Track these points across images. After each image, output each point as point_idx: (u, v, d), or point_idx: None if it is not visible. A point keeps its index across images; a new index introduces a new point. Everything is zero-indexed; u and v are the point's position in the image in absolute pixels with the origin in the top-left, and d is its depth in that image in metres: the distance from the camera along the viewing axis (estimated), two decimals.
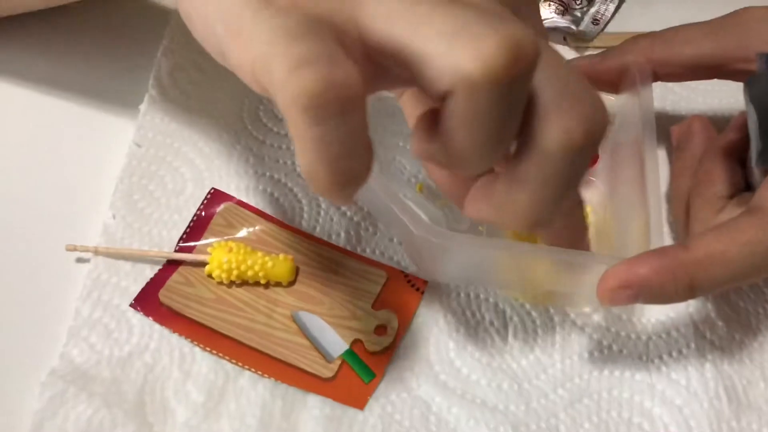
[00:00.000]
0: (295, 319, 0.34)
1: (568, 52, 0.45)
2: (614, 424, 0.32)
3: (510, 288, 0.35)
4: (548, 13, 0.46)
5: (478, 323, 0.35)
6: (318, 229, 0.37)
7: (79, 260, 0.36)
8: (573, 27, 0.46)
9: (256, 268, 0.34)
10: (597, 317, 0.35)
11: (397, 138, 0.40)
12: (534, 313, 0.35)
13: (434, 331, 0.34)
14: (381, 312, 0.34)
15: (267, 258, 0.35)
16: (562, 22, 0.46)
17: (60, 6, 0.43)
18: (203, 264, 0.35)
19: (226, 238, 0.36)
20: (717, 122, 0.38)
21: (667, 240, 0.37)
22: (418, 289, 0.35)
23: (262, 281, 0.35)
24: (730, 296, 0.35)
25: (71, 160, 0.39)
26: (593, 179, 0.38)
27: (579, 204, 0.28)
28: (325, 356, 0.33)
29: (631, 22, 0.46)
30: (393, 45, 0.21)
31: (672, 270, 0.28)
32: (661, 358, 0.34)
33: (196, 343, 0.33)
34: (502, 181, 0.24)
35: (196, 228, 0.37)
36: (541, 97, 0.22)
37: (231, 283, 0.35)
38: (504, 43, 0.20)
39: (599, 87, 0.35)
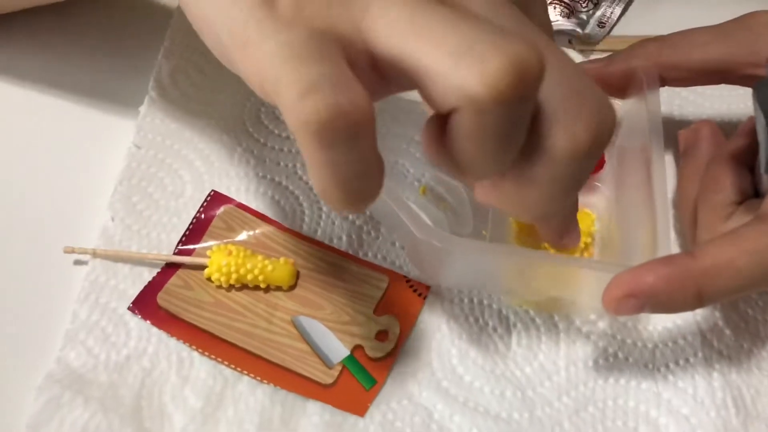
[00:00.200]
0: (295, 324, 0.34)
1: (573, 56, 0.44)
2: None
3: (513, 294, 0.34)
4: (554, 16, 0.45)
5: (482, 329, 0.34)
6: (319, 232, 0.37)
7: (77, 262, 0.35)
8: (579, 30, 0.45)
9: (256, 271, 0.34)
10: (602, 324, 0.34)
11: (401, 141, 0.40)
12: (538, 320, 0.34)
13: (437, 337, 0.34)
14: (382, 317, 0.34)
15: (267, 261, 0.34)
16: (567, 24, 0.45)
17: (61, 6, 0.43)
18: (202, 267, 0.34)
19: (225, 241, 0.36)
20: (725, 128, 0.38)
21: (674, 247, 0.36)
22: (420, 294, 0.35)
23: (262, 285, 0.34)
24: (739, 304, 0.35)
25: (70, 161, 0.39)
26: (599, 185, 0.38)
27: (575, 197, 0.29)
28: (326, 362, 0.33)
29: (637, 25, 0.46)
30: (398, 60, 0.21)
31: (679, 279, 0.28)
32: (667, 366, 0.33)
33: (194, 347, 0.33)
34: (511, 178, 0.24)
35: (196, 231, 0.36)
36: (548, 101, 0.22)
37: (230, 287, 0.34)
38: (508, 63, 0.20)
39: (605, 92, 0.34)
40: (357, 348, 0.33)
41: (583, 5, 0.46)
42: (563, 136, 0.22)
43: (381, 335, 0.33)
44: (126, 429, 0.31)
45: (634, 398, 0.32)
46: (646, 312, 0.28)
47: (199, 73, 0.42)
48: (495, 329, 0.34)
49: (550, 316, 0.34)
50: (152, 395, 0.32)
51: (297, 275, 0.35)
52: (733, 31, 0.35)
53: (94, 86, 0.41)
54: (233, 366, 0.32)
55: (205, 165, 0.39)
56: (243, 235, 0.36)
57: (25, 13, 0.42)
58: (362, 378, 0.32)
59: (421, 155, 0.39)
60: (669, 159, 0.39)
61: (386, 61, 0.22)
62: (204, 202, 0.37)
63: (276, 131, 0.40)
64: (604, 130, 0.23)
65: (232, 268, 0.34)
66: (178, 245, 0.36)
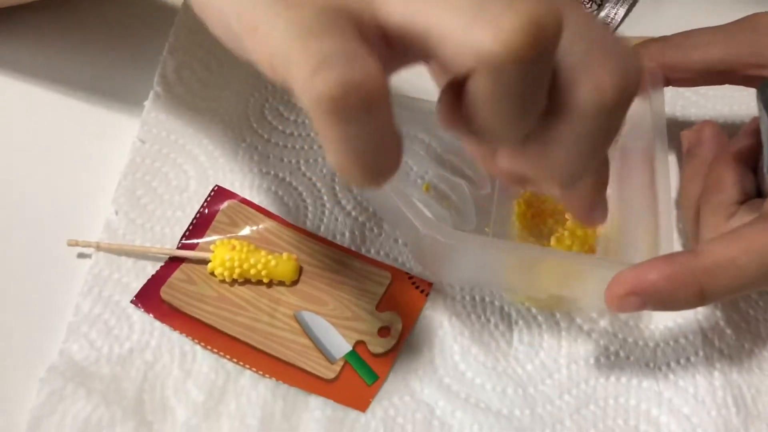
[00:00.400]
0: (297, 319, 0.34)
1: None
2: None
3: (516, 291, 0.34)
4: None
5: (483, 326, 0.34)
6: (322, 228, 0.37)
7: (81, 255, 0.35)
8: None
9: (259, 266, 0.34)
10: (603, 323, 0.34)
11: (403, 139, 0.40)
12: (540, 318, 0.34)
13: (439, 334, 0.34)
14: (385, 313, 0.34)
15: (270, 257, 0.34)
16: None
17: (66, 1, 0.43)
18: (206, 261, 0.34)
19: (229, 236, 0.36)
20: (727, 129, 0.38)
21: (676, 246, 0.36)
22: (422, 291, 0.35)
23: (265, 280, 0.34)
24: (740, 304, 0.35)
25: (75, 155, 0.39)
26: None
27: (605, 162, 0.28)
28: (328, 357, 0.33)
29: (641, 26, 0.46)
30: (410, 28, 0.21)
31: (682, 277, 0.28)
32: (668, 365, 0.33)
33: (197, 341, 0.33)
34: (535, 141, 0.24)
35: (199, 225, 0.36)
36: (570, 57, 0.22)
37: (233, 282, 0.34)
38: (524, 20, 0.19)
39: None
40: (359, 344, 0.33)
41: (587, 6, 0.46)
42: (589, 87, 0.22)
43: (383, 331, 0.33)
44: (128, 422, 0.31)
45: (635, 397, 0.32)
46: (649, 309, 0.29)
47: (203, 70, 0.42)
48: (497, 326, 0.34)
49: (552, 314, 0.34)
50: (155, 388, 0.32)
51: (300, 271, 0.35)
52: (736, 32, 0.35)
53: (99, 81, 0.41)
54: (236, 360, 0.32)
55: (209, 160, 0.39)
56: (246, 230, 0.36)
57: (31, 8, 0.42)
58: (364, 373, 0.32)
59: (425, 153, 0.39)
60: (671, 159, 0.39)
61: (397, 31, 0.21)
62: (208, 197, 0.37)
63: (280, 127, 0.40)
64: (631, 80, 0.22)
65: (236, 263, 0.34)
66: (181, 240, 0.36)
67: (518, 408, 0.32)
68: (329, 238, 0.36)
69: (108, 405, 0.31)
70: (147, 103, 0.40)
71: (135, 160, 0.38)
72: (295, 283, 0.35)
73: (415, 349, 0.33)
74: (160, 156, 0.39)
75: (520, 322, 0.34)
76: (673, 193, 0.38)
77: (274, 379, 0.32)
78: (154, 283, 0.34)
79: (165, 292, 0.34)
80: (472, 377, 0.33)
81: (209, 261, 0.34)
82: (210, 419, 0.31)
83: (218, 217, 0.37)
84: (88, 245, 0.35)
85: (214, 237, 0.36)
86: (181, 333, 0.33)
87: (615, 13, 0.46)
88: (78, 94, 0.41)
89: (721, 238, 0.29)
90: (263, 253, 0.34)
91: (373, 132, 0.20)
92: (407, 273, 0.35)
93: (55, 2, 0.43)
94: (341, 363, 0.33)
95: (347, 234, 0.37)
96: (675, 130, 0.39)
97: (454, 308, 0.34)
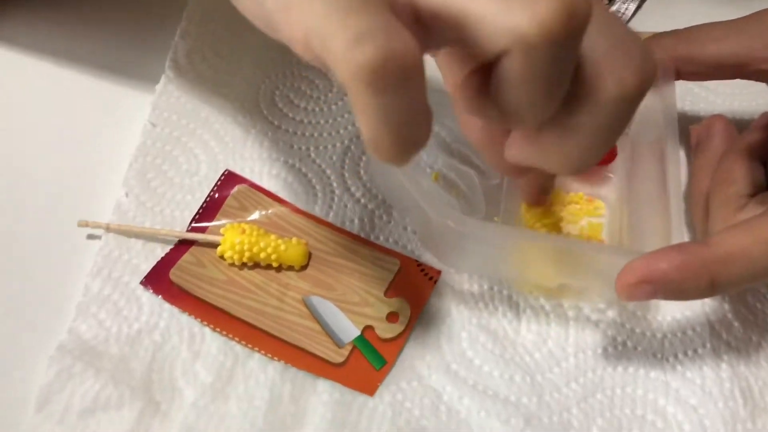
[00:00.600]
0: (306, 304, 0.34)
1: None
2: (627, 421, 0.31)
3: (526, 279, 0.34)
4: None
5: (491, 314, 0.34)
6: (331, 215, 0.37)
7: (90, 236, 0.35)
8: None
9: (269, 250, 0.34)
10: (611, 313, 0.34)
11: None
12: (547, 307, 0.34)
13: (447, 321, 0.34)
14: (393, 299, 0.34)
15: (280, 241, 0.34)
16: None
17: None
18: (215, 245, 0.34)
19: (238, 220, 0.36)
20: (735, 124, 0.38)
21: (685, 240, 0.36)
22: (431, 279, 0.35)
23: (275, 264, 0.34)
24: (747, 297, 0.35)
25: (86, 137, 0.39)
26: (611, 175, 0.38)
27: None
28: (336, 341, 0.33)
29: (651, 22, 0.46)
30: (444, 8, 0.21)
31: (693, 266, 0.28)
32: (676, 356, 0.33)
33: (205, 323, 0.33)
34: (551, 129, 0.25)
35: (209, 209, 0.36)
36: (595, 50, 0.23)
37: (243, 265, 0.34)
38: (559, 4, 0.20)
39: None
40: (367, 329, 0.33)
41: None
42: (611, 80, 0.23)
43: (392, 317, 0.34)
44: (136, 402, 0.31)
45: (642, 387, 0.32)
46: (659, 298, 0.29)
47: (215, 55, 0.42)
48: (505, 315, 0.34)
49: (560, 303, 0.34)
50: (163, 369, 0.32)
51: (309, 256, 0.35)
52: (749, 26, 0.35)
53: (111, 64, 0.41)
54: (244, 342, 0.32)
55: (220, 145, 0.39)
56: (256, 215, 0.36)
57: None
58: (372, 358, 0.32)
59: (435, 142, 0.39)
60: (680, 154, 0.39)
61: (432, 11, 0.22)
62: (218, 181, 0.37)
63: (290, 114, 0.40)
64: (649, 77, 0.24)
65: (245, 246, 0.34)
66: (191, 223, 0.36)
67: (526, 395, 0.32)
68: (338, 224, 0.37)
69: (116, 384, 0.31)
70: (158, 87, 0.40)
71: (146, 143, 0.38)
72: (304, 268, 0.35)
73: (423, 335, 0.33)
74: (170, 139, 0.39)
75: (528, 310, 0.34)
76: (682, 187, 0.38)
77: (282, 362, 0.32)
78: (164, 265, 0.34)
79: (174, 275, 0.34)
80: (479, 364, 0.33)
81: (219, 244, 0.34)
82: (218, 400, 0.31)
83: (228, 201, 0.37)
84: (98, 226, 0.35)
85: (224, 221, 0.36)
86: (189, 315, 0.33)
87: (626, 8, 0.47)
88: (90, 77, 0.41)
89: (733, 228, 0.29)
90: (273, 237, 0.34)
91: (408, 104, 0.21)
92: (416, 260, 0.35)
93: None
94: (349, 347, 0.33)
95: (356, 221, 0.37)
96: (684, 126, 0.39)
97: (462, 296, 0.35)
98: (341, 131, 0.40)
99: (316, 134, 0.40)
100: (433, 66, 0.27)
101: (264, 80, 0.42)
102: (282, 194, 0.37)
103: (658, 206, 0.32)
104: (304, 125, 0.40)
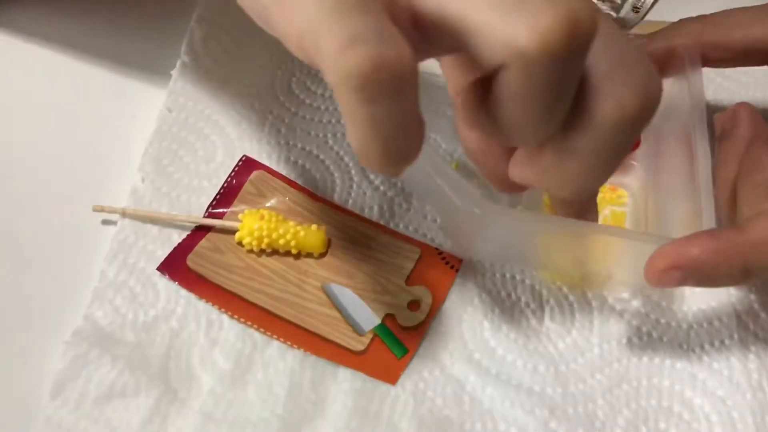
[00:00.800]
0: (326, 291, 0.33)
1: None
2: (653, 412, 0.31)
3: (549, 267, 0.34)
4: None
5: (514, 304, 0.34)
6: (350, 202, 0.36)
7: (105, 222, 0.35)
8: (613, 14, 0.45)
9: (288, 237, 0.33)
10: (636, 303, 0.34)
11: (433, 115, 0.39)
12: (571, 297, 0.34)
13: (468, 310, 0.33)
14: (414, 287, 0.33)
15: (299, 227, 0.34)
16: (601, 8, 0.45)
17: None
18: (233, 231, 0.34)
19: (256, 206, 0.35)
20: (760, 113, 0.37)
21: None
22: (452, 267, 0.34)
23: (293, 251, 0.34)
24: None
25: (101, 122, 0.38)
26: (634, 163, 0.37)
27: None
28: (357, 329, 0.32)
29: (672, 10, 0.45)
30: (444, 16, 0.20)
31: (726, 252, 0.27)
32: (702, 347, 0.33)
33: (223, 310, 0.32)
34: (552, 149, 0.24)
35: (227, 195, 0.36)
36: (596, 68, 0.22)
37: (261, 252, 0.34)
38: (562, 17, 0.19)
39: None
40: (388, 317, 0.33)
41: None
42: (611, 103, 0.22)
43: (413, 305, 0.33)
44: (153, 389, 0.30)
45: (668, 378, 0.32)
46: (690, 285, 0.28)
47: (231, 41, 0.41)
48: (528, 304, 0.34)
49: (583, 293, 0.34)
50: (180, 356, 0.31)
51: (328, 243, 0.34)
52: None
53: (126, 49, 0.41)
54: (263, 330, 0.32)
55: (236, 131, 0.38)
56: (273, 201, 0.36)
57: None
58: (394, 346, 0.32)
59: (454, 130, 0.39)
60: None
61: (430, 18, 0.21)
62: (236, 167, 0.36)
63: (307, 101, 0.40)
64: (652, 100, 0.22)
65: (264, 233, 0.33)
66: (208, 209, 0.35)
67: (550, 386, 0.31)
68: (357, 211, 0.36)
69: (133, 371, 0.30)
70: (174, 72, 0.39)
71: (162, 128, 0.38)
72: (323, 255, 0.34)
73: (445, 324, 0.33)
74: (186, 125, 0.38)
75: (551, 300, 0.34)
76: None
77: (302, 350, 0.31)
78: (181, 251, 0.34)
79: (191, 261, 0.33)
80: (503, 354, 0.32)
81: (237, 230, 0.34)
82: (236, 388, 0.30)
83: (246, 187, 0.36)
84: (113, 211, 0.34)
85: (242, 207, 0.35)
86: (207, 302, 0.33)
87: None
88: (105, 62, 0.41)
89: (766, 214, 0.28)
90: (292, 223, 0.34)
91: (399, 115, 0.20)
92: (437, 248, 0.35)
93: None
94: (370, 336, 0.32)
95: (375, 208, 0.36)
96: (707, 115, 0.38)
97: (484, 285, 0.34)
98: None
99: (333, 120, 0.39)
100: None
101: (280, 66, 0.41)
102: (300, 181, 0.37)
103: (686, 195, 0.31)
104: (321, 112, 0.39)
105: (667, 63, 0.36)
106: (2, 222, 0.35)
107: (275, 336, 0.32)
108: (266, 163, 0.37)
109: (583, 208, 0.29)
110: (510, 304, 0.34)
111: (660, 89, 0.23)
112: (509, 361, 0.32)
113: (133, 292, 0.33)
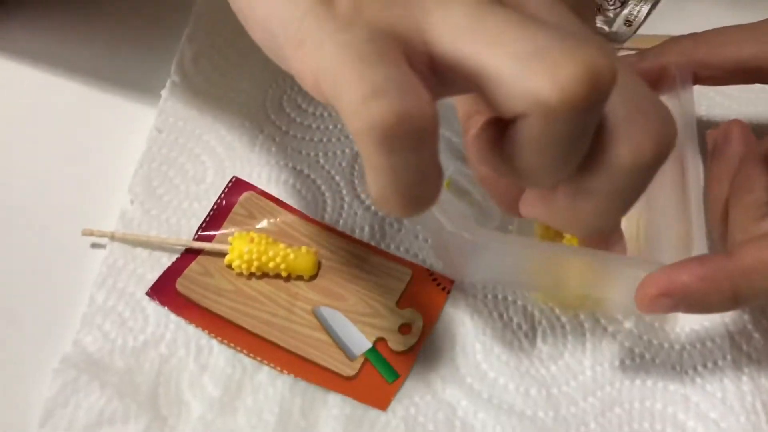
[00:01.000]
0: (316, 315, 0.33)
1: None
2: None
3: (541, 290, 0.34)
4: None
5: (506, 326, 0.33)
6: (341, 222, 0.36)
7: (95, 245, 0.35)
8: (605, 28, 0.45)
9: (278, 260, 0.33)
10: (628, 324, 0.33)
11: None
12: (563, 318, 0.34)
13: (461, 332, 0.33)
14: (406, 310, 0.33)
15: (289, 250, 0.33)
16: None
17: None
18: (223, 254, 0.34)
19: (246, 228, 0.35)
20: (753, 131, 0.37)
21: (707, 251, 0.35)
22: (444, 289, 0.34)
23: (284, 274, 0.33)
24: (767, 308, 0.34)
25: (90, 143, 0.38)
26: None
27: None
28: (347, 354, 0.32)
29: (665, 24, 0.45)
30: (461, 60, 0.20)
31: (715, 278, 0.27)
32: (695, 369, 0.32)
33: (213, 335, 0.32)
34: (566, 190, 0.24)
35: (216, 217, 0.36)
36: (613, 113, 0.22)
37: (251, 275, 0.34)
38: (583, 70, 0.19)
39: None
40: (379, 341, 0.32)
41: (610, 3, 0.46)
42: (628, 147, 0.22)
43: (404, 328, 0.33)
44: (142, 416, 0.30)
45: (661, 400, 0.32)
46: (680, 311, 0.28)
47: (221, 59, 0.41)
48: (520, 326, 0.33)
49: (576, 315, 0.34)
50: (169, 382, 0.31)
51: (318, 265, 0.34)
52: (767, 30, 0.35)
53: (116, 69, 0.41)
54: (253, 355, 0.32)
55: (227, 151, 0.38)
56: (264, 223, 0.35)
57: None
58: (385, 371, 0.32)
59: (446, 148, 0.38)
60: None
61: (447, 63, 0.21)
62: (225, 188, 0.36)
63: (298, 119, 0.40)
64: (669, 145, 0.22)
65: (254, 256, 0.33)
66: (198, 231, 0.35)
67: (542, 409, 0.31)
68: (348, 232, 0.36)
69: (122, 398, 0.30)
70: (164, 92, 0.39)
71: (151, 149, 0.37)
72: (313, 277, 0.34)
73: (436, 347, 0.33)
74: (176, 145, 0.38)
75: (544, 322, 0.33)
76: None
77: (292, 375, 0.31)
78: (170, 275, 0.34)
79: (181, 285, 0.33)
80: (494, 377, 0.32)
81: (226, 253, 0.34)
82: (226, 414, 0.30)
83: (236, 208, 0.36)
84: (102, 235, 0.34)
85: (232, 229, 0.35)
86: (197, 326, 0.32)
87: (638, 11, 0.46)
88: (94, 82, 0.40)
89: (756, 239, 0.28)
90: (282, 246, 0.34)
91: (420, 164, 0.20)
92: (428, 270, 0.35)
93: None
94: (361, 360, 0.32)
95: (366, 228, 0.36)
96: (699, 131, 0.38)
97: (476, 306, 0.34)
98: (350, 136, 0.39)
99: (324, 139, 0.39)
100: None
101: (272, 84, 0.41)
102: (290, 201, 0.37)
103: (678, 216, 0.31)
104: (313, 130, 0.39)
105: (658, 81, 0.36)
106: None
107: (265, 361, 0.32)
108: (257, 183, 0.37)
109: (609, 239, 0.29)
110: (502, 326, 0.33)
111: (675, 133, 0.23)
112: (501, 384, 0.32)
113: (122, 317, 0.33)
